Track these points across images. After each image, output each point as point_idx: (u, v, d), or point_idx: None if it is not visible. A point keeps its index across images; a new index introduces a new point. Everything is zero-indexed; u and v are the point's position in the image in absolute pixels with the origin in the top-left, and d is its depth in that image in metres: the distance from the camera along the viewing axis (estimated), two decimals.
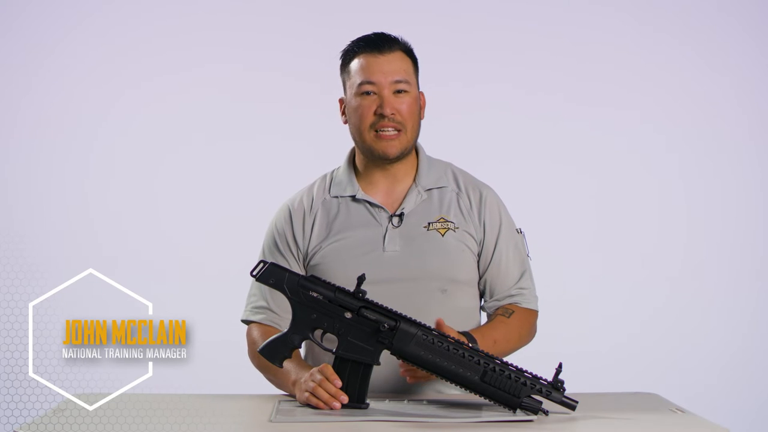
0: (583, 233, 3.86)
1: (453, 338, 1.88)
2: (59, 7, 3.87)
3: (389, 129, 2.15)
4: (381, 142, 2.16)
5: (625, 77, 3.85)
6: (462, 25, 3.88)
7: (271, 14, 3.89)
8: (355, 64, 2.18)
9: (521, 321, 2.19)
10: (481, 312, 2.26)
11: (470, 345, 1.89)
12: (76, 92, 3.87)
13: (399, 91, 2.16)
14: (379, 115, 2.15)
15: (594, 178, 3.86)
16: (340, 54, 2.22)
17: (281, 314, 2.18)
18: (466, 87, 3.85)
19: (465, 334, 2.05)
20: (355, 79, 2.17)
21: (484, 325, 2.20)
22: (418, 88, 2.22)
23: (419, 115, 2.21)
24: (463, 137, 3.76)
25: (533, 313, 2.23)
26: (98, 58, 3.87)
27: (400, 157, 2.19)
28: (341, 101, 2.24)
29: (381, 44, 2.17)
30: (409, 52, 2.21)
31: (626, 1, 3.87)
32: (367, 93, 2.16)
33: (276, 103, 3.86)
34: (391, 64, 2.16)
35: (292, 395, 2.02)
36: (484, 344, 2.04)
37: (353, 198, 2.22)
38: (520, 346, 2.19)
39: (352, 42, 2.21)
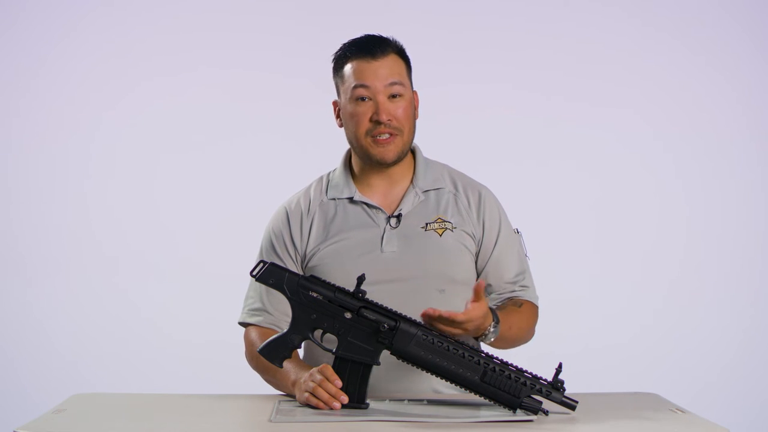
0: (583, 233, 3.86)
1: (453, 338, 1.88)
2: (59, 7, 3.86)
3: (385, 134, 2.14)
4: (378, 147, 2.15)
5: (625, 77, 3.85)
6: (460, 24, 3.88)
7: (272, 15, 3.89)
8: (348, 68, 2.16)
9: (529, 313, 2.20)
10: None
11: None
12: (75, 93, 3.87)
13: (394, 95, 2.14)
14: (375, 122, 2.13)
15: (593, 178, 3.86)
16: (332, 58, 2.21)
17: (278, 316, 2.17)
18: (465, 87, 3.85)
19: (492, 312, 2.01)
20: (349, 84, 2.15)
21: (501, 310, 2.14)
22: (412, 88, 2.21)
23: (414, 116, 2.20)
24: (463, 137, 3.76)
25: (537, 309, 2.24)
26: (98, 58, 3.87)
27: (397, 161, 2.18)
28: (335, 104, 2.22)
29: (374, 48, 2.14)
30: (401, 53, 2.19)
31: (627, 1, 3.87)
32: (362, 99, 2.14)
33: (276, 104, 3.86)
34: (385, 68, 2.14)
35: (291, 395, 2.02)
36: (503, 327, 2.02)
37: (350, 200, 2.21)
38: (525, 338, 2.19)
39: (344, 46, 2.19)
